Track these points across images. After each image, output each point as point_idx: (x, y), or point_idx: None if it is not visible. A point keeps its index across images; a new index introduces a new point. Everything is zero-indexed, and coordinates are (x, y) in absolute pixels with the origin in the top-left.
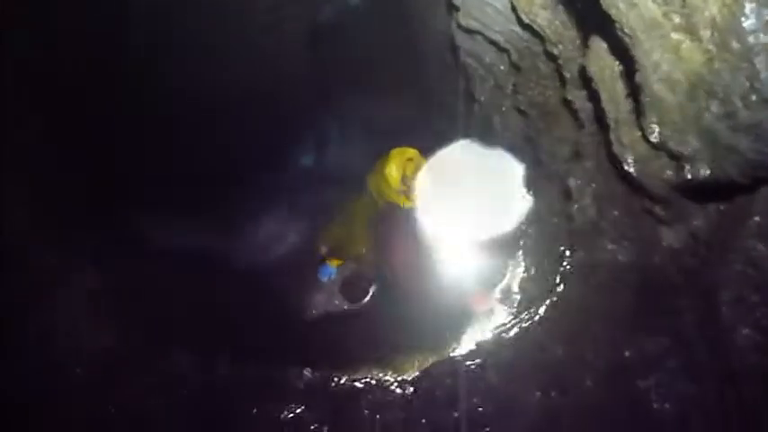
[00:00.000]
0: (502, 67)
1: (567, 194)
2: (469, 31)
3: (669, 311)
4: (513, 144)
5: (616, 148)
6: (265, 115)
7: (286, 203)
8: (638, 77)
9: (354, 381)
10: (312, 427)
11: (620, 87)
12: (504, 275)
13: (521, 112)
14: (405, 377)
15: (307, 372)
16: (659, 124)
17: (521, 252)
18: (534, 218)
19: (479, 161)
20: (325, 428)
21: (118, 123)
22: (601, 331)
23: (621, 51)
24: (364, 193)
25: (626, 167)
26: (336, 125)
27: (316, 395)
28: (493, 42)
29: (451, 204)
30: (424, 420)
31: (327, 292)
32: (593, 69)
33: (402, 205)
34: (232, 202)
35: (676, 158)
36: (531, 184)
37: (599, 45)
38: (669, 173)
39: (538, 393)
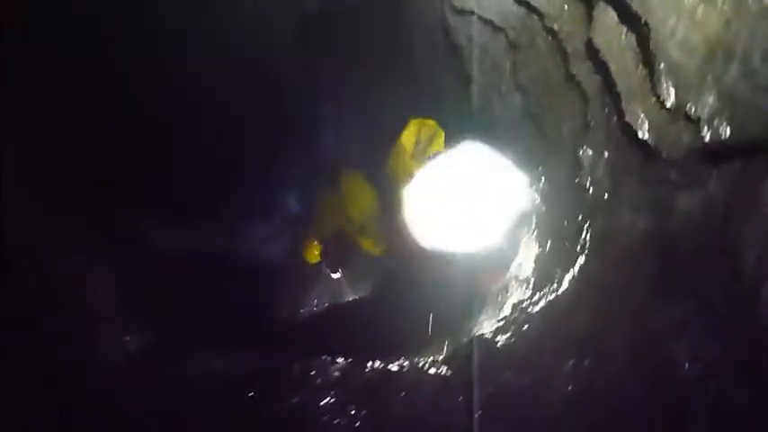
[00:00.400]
0: (498, 47)
1: (579, 167)
2: (463, 12)
3: (692, 275)
4: (515, 122)
5: (629, 118)
6: (254, 107)
7: (285, 196)
8: (652, 45)
9: (387, 365)
10: (351, 412)
11: (630, 57)
12: (516, 252)
13: (521, 90)
14: (436, 358)
15: (339, 360)
16: (676, 89)
17: (535, 228)
18: (546, 193)
19: (475, 164)
20: (364, 412)
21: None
22: (625, 299)
23: (632, 20)
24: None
25: (640, 135)
26: (328, 116)
27: (351, 381)
28: (488, 22)
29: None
30: (461, 398)
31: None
32: (599, 41)
33: (413, 174)
34: (235, 199)
35: (694, 122)
36: (539, 160)
37: (606, 16)
38: (686, 137)
39: (570, 363)
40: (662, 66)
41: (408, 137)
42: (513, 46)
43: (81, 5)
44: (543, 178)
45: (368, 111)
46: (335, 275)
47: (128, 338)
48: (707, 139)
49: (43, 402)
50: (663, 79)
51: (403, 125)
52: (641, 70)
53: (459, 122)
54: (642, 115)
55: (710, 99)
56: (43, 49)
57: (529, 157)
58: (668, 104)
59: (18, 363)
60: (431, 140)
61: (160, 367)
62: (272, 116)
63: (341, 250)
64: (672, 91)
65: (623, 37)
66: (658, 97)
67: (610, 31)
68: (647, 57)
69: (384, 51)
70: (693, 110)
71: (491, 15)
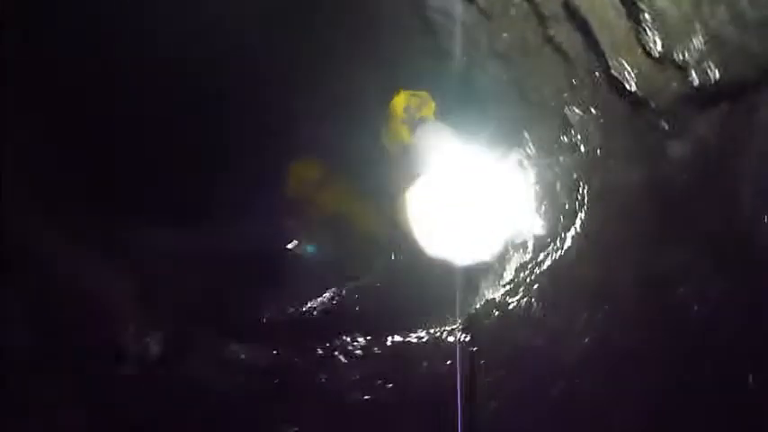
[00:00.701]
0: (471, 18)
1: (568, 126)
2: None
3: (692, 218)
4: (496, 90)
5: (615, 71)
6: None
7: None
8: None
9: (406, 338)
10: (377, 383)
11: (612, 12)
12: (512, 220)
13: (499, 57)
14: (453, 327)
15: (359, 337)
16: (663, 38)
17: (530, 192)
18: (536, 156)
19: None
20: (390, 385)
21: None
22: (629, 249)
23: None
24: None
25: (628, 87)
26: (302, 102)
27: (373, 357)
28: None
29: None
30: (483, 361)
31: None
32: (577, 1)
33: (405, 141)
34: (222, 197)
35: (682, 69)
36: (524, 124)
37: None
38: (674, 84)
39: (585, 315)
40: (647, 16)
41: (398, 104)
42: (486, 15)
43: (77, 5)
44: (531, 142)
45: (342, 96)
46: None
47: (148, 336)
48: (696, 83)
49: (71, 402)
50: (649, 29)
51: (380, 109)
52: (625, 23)
53: (440, 97)
54: (629, 67)
55: (698, 44)
56: (42, 48)
57: (514, 123)
58: (655, 53)
59: (44, 363)
60: (420, 107)
61: (185, 360)
62: (248, 110)
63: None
64: (659, 40)
65: None
66: (644, 48)
67: None
68: (632, 9)
69: (354, 33)
70: (681, 56)
71: None
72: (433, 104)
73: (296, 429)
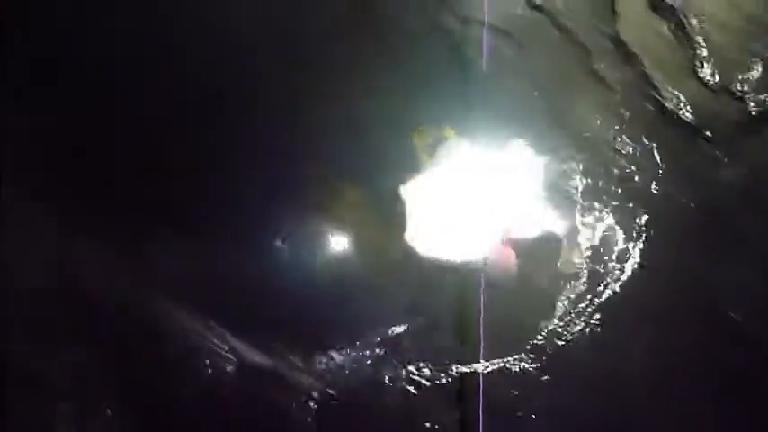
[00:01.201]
0: (504, 49)
1: (619, 157)
2: (468, 21)
3: (746, 240)
4: (533, 123)
5: (669, 102)
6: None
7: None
8: (689, 31)
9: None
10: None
11: (664, 45)
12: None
13: (540, 89)
14: (520, 355)
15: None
16: (718, 68)
17: (578, 223)
18: (585, 187)
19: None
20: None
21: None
22: (687, 273)
23: (662, 9)
24: None
25: (682, 117)
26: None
27: (448, 387)
28: (495, 28)
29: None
30: (556, 390)
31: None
32: (629, 36)
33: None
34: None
35: (739, 98)
36: (569, 156)
37: (629, 10)
38: (729, 113)
39: (646, 341)
40: (702, 49)
41: (418, 141)
42: (519, 45)
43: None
44: (578, 174)
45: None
46: None
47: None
48: (752, 112)
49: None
50: (705, 61)
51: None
52: (679, 56)
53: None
54: (683, 99)
55: (753, 74)
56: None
57: (556, 155)
58: (711, 84)
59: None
60: (438, 135)
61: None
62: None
63: None
64: (715, 71)
65: (654, 26)
66: (700, 79)
67: (638, 22)
68: (687, 42)
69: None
70: (738, 87)
71: (497, 21)
72: (454, 142)
73: None
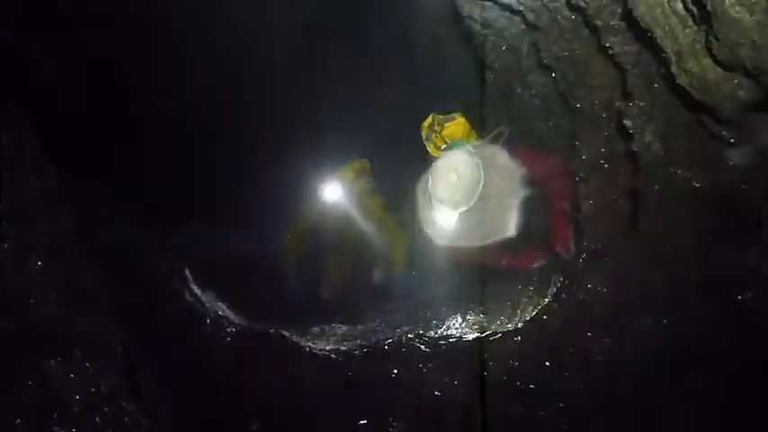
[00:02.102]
0: (514, 30)
1: (626, 136)
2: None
3: (755, 224)
4: (542, 101)
5: (681, 80)
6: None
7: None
8: (709, 5)
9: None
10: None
11: (676, 21)
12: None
13: (544, 68)
14: (516, 326)
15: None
16: (735, 46)
17: (588, 200)
18: (589, 165)
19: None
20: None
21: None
22: (693, 253)
23: None
24: None
25: (694, 95)
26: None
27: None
28: (505, 7)
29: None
30: (548, 363)
31: None
32: (641, 9)
33: (434, 153)
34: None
35: (754, 77)
36: (573, 135)
37: None
38: (741, 93)
39: (649, 319)
40: (720, 25)
41: (426, 122)
42: (532, 27)
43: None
44: (583, 152)
45: (375, 110)
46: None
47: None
48: (765, 91)
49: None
50: (721, 37)
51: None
52: (692, 32)
53: (480, 111)
54: (695, 76)
55: None
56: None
57: (559, 134)
58: (724, 62)
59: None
60: (444, 122)
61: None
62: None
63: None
64: (731, 49)
65: (667, 2)
66: (714, 56)
67: None
68: (701, 18)
69: (386, 46)
70: (753, 64)
71: (508, 0)
72: (463, 120)
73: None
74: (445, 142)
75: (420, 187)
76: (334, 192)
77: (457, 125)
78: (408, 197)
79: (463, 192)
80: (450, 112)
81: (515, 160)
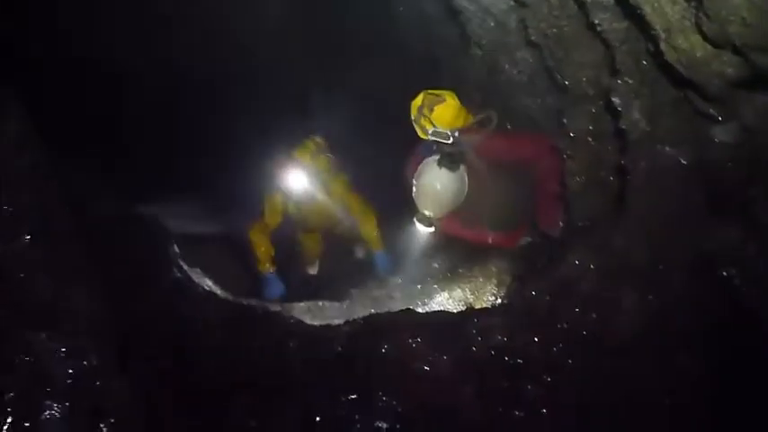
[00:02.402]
0: (501, 6)
1: (613, 113)
2: None
3: (740, 202)
4: (529, 78)
5: (669, 57)
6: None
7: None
8: None
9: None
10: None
11: None
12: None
13: (532, 45)
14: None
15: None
16: (725, 23)
17: (570, 175)
18: (576, 142)
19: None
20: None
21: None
22: (677, 230)
23: None
24: None
25: (682, 72)
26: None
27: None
28: None
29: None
30: (536, 338)
31: None
32: None
33: (421, 135)
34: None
35: (743, 54)
36: (561, 112)
37: None
38: (730, 70)
39: (635, 297)
40: (709, 1)
41: (415, 102)
42: (519, 3)
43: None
44: (570, 129)
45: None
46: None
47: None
48: (752, 70)
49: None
50: (712, 15)
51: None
52: (681, 9)
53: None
54: (684, 53)
55: (762, 30)
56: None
57: (547, 111)
58: (715, 39)
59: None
60: (433, 106)
61: (256, 329)
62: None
63: None
64: (720, 26)
65: None
66: (703, 33)
67: None
68: None
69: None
70: (743, 41)
71: None
72: (454, 102)
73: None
74: (432, 125)
75: (408, 172)
76: (294, 178)
77: (446, 108)
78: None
79: (447, 204)
80: (442, 89)
81: (503, 144)
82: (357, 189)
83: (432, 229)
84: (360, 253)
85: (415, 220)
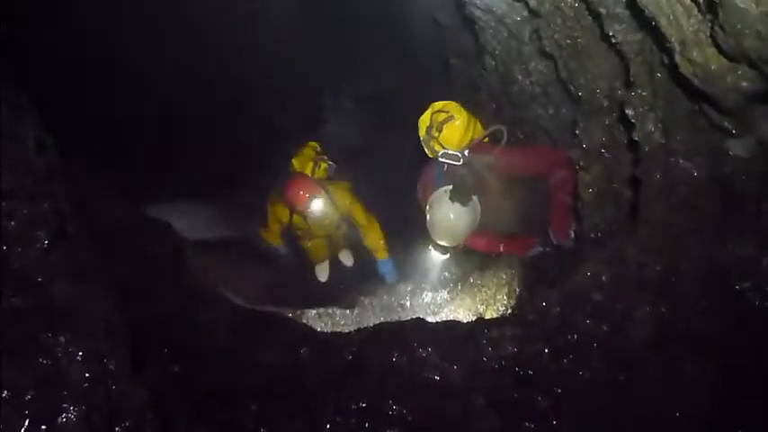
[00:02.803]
0: (516, 17)
1: (627, 124)
2: None
3: (753, 215)
4: (543, 89)
5: (684, 69)
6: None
7: None
8: None
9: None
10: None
11: (681, 10)
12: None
13: (546, 55)
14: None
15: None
16: (740, 36)
17: (584, 186)
18: (591, 154)
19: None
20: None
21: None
22: (692, 243)
23: None
24: None
25: (697, 85)
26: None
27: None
28: None
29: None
30: (547, 349)
31: None
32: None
33: (430, 155)
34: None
35: (758, 67)
36: (574, 123)
37: None
38: (745, 84)
39: (646, 308)
40: (726, 15)
41: (423, 120)
42: (534, 13)
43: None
44: (584, 140)
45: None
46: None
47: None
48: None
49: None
50: (727, 28)
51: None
52: (696, 21)
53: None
54: (699, 66)
55: None
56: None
57: (560, 122)
58: (730, 52)
59: None
60: (442, 126)
61: (266, 335)
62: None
63: None
64: (736, 39)
65: None
66: (718, 47)
67: None
68: (704, 7)
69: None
70: (758, 54)
71: None
72: (462, 118)
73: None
74: (442, 146)
75: (419, 193)
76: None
77: (455, 128)
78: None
79: (461, 234)
80: (448, 101)
81: (517, 159)
82: (360, 196)
83: (447, 256)
84: (348, 261)
85: (430, 248)
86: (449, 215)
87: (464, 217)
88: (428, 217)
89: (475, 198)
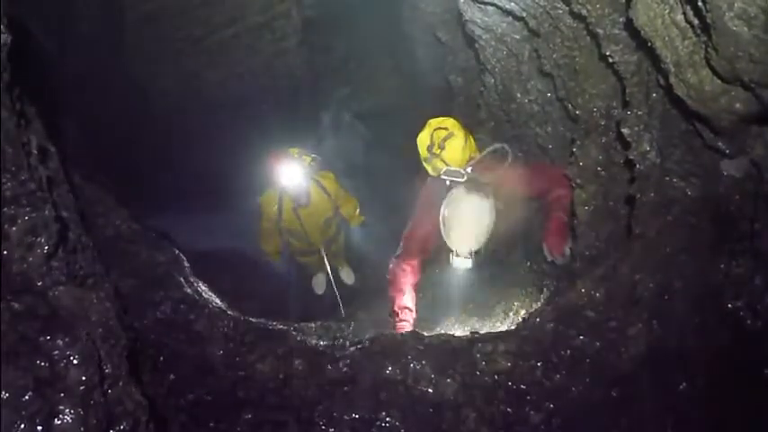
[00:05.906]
0: (516, 36)
1: (623, 143)
2: (482, 3)
3: (746, 236)
4: (541, 107)
5: (679, 90)
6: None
7: None
8: (708, 18)
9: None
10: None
11: (676, 32)
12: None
13: (544, 75)
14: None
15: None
16: (734, 59)
17: (579, 204)
18: (587, 172)
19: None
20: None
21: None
22: (685, 261)
23: None
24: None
25: (691, 106)
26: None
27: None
28: (508, 12)
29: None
30: (540, 364)
31: None
32: (642, 20)
33: (433, 173)
34: None
35: (751, 89)
36: (571, 142)
37: None
38: (739, 106)
39: (639, 325)
40: (719, 37)
41: (423, 139)
42: (534, 33)
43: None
44: (580, 158)
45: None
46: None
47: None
48: (762, 105)
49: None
50: (720, 50)
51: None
52: (691, 43)
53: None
54: (693, 87)
55: None
56: None
57: (558, 140)
58: (724, 74)
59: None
60: (443, 143)
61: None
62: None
63: None
64: (729, 62)
65: (666, 14)
66: (713, 68)
67: (651, 9)
68: (698, 30)
69: (389, 53)
70: (751, 77)
71: (511, 6)
72: (460, 132)
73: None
74: (445, 164)
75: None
76: (288, 169)
77: (455, 145)
78: None
79: (481, 232)
80: (442, 117)
81: (518, 177)
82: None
83: (470, 263)
84: (349, 279)
85: (453, 257)
86: (467, 214)
87: (484, 215)
88: (444, 224)
89: (492, 206)
